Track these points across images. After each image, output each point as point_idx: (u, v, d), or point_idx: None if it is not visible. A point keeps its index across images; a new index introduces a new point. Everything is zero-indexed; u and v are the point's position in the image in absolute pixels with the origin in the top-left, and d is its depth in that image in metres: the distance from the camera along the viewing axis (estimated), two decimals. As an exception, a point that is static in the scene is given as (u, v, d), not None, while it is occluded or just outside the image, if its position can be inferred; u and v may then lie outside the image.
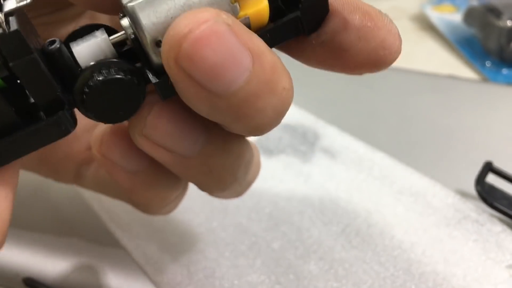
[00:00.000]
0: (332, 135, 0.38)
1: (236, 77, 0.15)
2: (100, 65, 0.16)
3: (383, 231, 0.30)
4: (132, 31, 0.16)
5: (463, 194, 0.33)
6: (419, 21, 0.57)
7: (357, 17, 0.17)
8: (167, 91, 0.16)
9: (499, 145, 0.38)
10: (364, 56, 0.17)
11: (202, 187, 0.21)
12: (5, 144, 0.15)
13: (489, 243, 0.29)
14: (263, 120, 0.16)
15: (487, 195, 0.31)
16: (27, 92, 0.16)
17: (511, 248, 0.29)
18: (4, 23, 0.14)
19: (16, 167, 0.17)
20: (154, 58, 0.16)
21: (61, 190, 0.34)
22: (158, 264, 0.29)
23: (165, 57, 0.15)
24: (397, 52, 0.18)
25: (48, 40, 0.16)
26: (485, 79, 0.46)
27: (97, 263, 0.30)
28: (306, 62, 0.19)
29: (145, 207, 0.24)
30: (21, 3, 0.15)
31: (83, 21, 0.23)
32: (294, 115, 0.40)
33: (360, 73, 0.18)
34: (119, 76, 0.16)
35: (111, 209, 0.32)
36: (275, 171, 0.35)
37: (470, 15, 0.51)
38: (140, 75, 0.16)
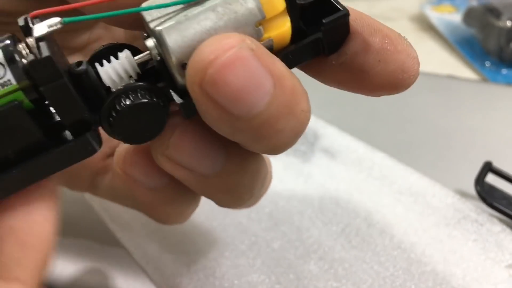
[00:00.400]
0: (332, 135, 0.38)
1: (258, 100, 0.15)
2: (127, 89, 0.16)
3: (383, 231, 0.30)
4: (157, 52, 0.16)
5: (463, 194, 0.33)
6: (418, 22, 0.57)
7: (377, 39, 0.17)
8: (191, 111, 0.16)
9: (498, 145, 0.38)
10: (383, 78, 0.17)
11: (220, 203, 0.21)
12: (33, 164, 0.16)
13: (488, 243, 0.29)
14: (282, 140, 0.17)
15: (487, 195, 0.31)
16: (53, 112, 0.16)
17: (510, 248, 0.29)
18: (36, 49, 0.15)
19: (55, 181, 0.17)
20: (179, 79, 0.16)
21: (61, 190, 0.34)
22: (158, 264, 0.29)
23: (189, 81, 0.15)
24: (416, 76, 0.18)
25: (75, 62, 0.16)
26: (484, 79, 0.47)
27: (97, 263, 0.30)
28: (326, 82, 0.19)
29: (162, 221, 0.24)
30: (52, 28, 0.15)
31: (98, 31, 0.23)
32: (294, 115, 0.40)
33: (379, 95, 0.18)
34: (145, 100, 0.16)
35: (111, 208, 0.32)
36: (275, 171, 0.35)
37: (469, 16, 0.51)
38: (165, 96, 0.17)
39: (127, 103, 0.16)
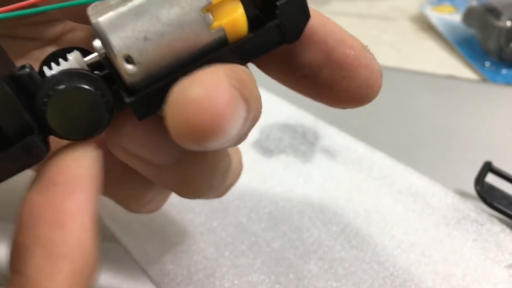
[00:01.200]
0: (332, 135, 0.38)
1: (236, 128, 0.14)
2: (63, 74, 0.15)
3: (383, 231, 0.30)
4: (104, 51, 0.15)
5: (463, 194, 0.33)
6: (418, 22, 0.57)
7: (341, 53, 0.17)
8: (143, 111, 0.15)
9: (498, 145, 0.38)
10: (347, 94, 0.17)
11: (177, 193, 0.21)
12: None
13: (488, 243, 0.29)
14: (243, 139, 0.17)
15: (487, 195, 0.31)
16: None
17: (510, 247, 0.29)
18: None
19: (94, 184, 0.16)
20: (126, 76, 0.15)
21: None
22: (159, 264, 0.29)
23: (180, 139, 0.14)
24: (379, 90, 0.18)
25: (18, 66, 0.15)
26: (484, 79, 0.47)
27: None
28: (291, 89, 0.19)
29: (122, 204, 0.24)
30: None
31: (72, 22, 0.23)
32: (294, 115, 0.40)
33: (343, 108, 0.18)
34: (82, 85, 0.15)
35: (111, 208, 0.32)
36: (275, 171, 0.35)
37: (469, 16, 0.51)
38: (108, 91, 0.16)
39: (61, 87, 0.15)
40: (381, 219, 0.31)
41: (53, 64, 0.16)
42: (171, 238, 0.31)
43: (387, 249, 0.29)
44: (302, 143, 0.37)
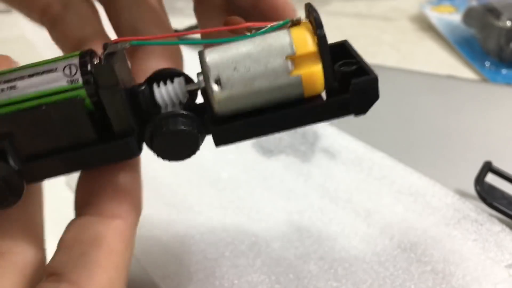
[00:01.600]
0: (332, 135, 0.38)
1: None
2: (171, 115, 0.18)
3: (383, 230, 0.30)
4: (203, 85, 0.18)
5: (463, 194, 0.33)
6: (418, 22, 0.57)
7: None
8: (222, 141, 0.19)
9: (498, 145, 0.38)
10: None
11: None
12: (77, 155, 0.18)
13: (488, 243, 0.29)
14: None
15: (487, 195, 0.31)
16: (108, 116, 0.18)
17: (510, 247, 0.29)
18: (104, 60, 0.18)
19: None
20: (216, 106, 0.18)
21: (59, 190, 0.34)
22: (159, 264, 0.29)
23: None
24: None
25: (137, 83, 0.19)
26: (484, 79, 0.47)
27: (98, 263, 0.30)
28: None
29: None
30: (120, 47, 0.18)
31: None
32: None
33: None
34: (185, 128, 0.18)
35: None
36: (275, 171, 0.35)
37: (469, 16, 0.51)
38: (203, 126, 0.19)
39: (170, 128, 0.18)
40: (381, 219, 0.31)
41: (161, 83, 0.19)
42: (171, 239, 0.31)
43: (387, 249, 0.29)
44: (302, 143, 0.37)
